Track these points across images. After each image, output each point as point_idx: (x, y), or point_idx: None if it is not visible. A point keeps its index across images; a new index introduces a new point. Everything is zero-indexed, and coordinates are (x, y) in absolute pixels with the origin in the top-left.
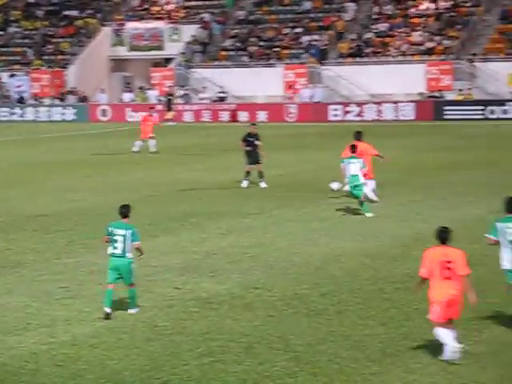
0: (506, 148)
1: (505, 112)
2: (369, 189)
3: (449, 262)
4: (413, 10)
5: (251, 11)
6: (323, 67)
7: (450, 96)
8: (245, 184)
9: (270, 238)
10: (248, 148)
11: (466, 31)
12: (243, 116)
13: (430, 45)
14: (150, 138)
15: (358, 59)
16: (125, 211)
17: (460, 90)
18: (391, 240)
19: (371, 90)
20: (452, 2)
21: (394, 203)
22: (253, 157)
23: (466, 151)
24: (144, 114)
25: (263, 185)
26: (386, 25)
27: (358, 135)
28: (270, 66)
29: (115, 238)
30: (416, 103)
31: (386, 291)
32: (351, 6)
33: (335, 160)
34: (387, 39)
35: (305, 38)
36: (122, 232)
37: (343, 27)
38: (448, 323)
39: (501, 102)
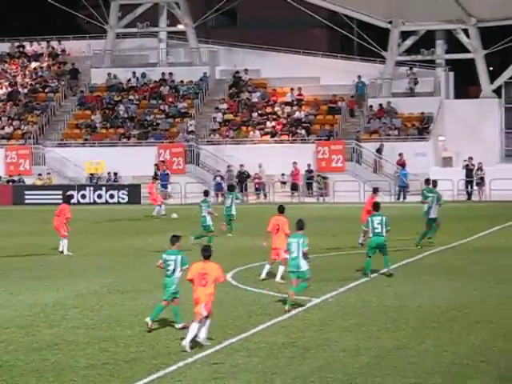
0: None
1: (83, 197)
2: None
3: (205, 273)
4: None
5: None
6: None
7: (30, 180)
8: None
9: None
10: None
11: (45, 117)
12: None
13: (8, 129)
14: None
15: None
16: (174, 239)
17: (39, 174)
18: None
19: None
20: (31, 87)
21: None
22: None
23: (49, 235)
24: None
25: None
26: None
27: None
28: None
29: (168, 262)
30: None
31: None
32: None
33: None
34: None
35: None
36: (173, 257)
37: None
38: (199, 318)
39: (80, 187)
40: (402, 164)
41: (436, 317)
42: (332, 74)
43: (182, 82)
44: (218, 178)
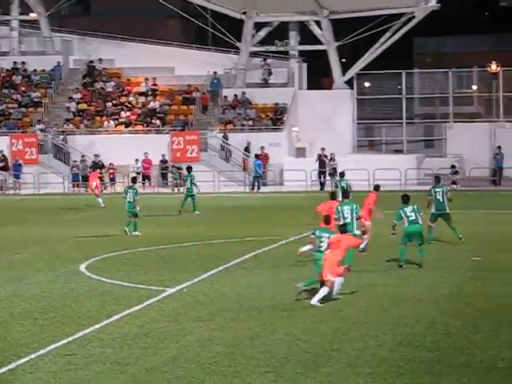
0: None
1: None
2: None
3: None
4: None
5: None
6: None
7: None
8: None
9: None
10: None
11: None
12: None
13: None
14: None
15: None
16: (328, 219)
17: None
18: None
19: None
20: None
21: None
22: None
23: None
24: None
25: None
26: None
27: None
28: None
29: (322, 239)
30: None
31: None
32: None
33: None
34: None
35: None
36: (327, 235)
37: None
38: (329, 285)
39: None
40: (264, 158)
41: (289, 306)
42: (187, 65)
43: (34, 71)
44: (75, 169)
